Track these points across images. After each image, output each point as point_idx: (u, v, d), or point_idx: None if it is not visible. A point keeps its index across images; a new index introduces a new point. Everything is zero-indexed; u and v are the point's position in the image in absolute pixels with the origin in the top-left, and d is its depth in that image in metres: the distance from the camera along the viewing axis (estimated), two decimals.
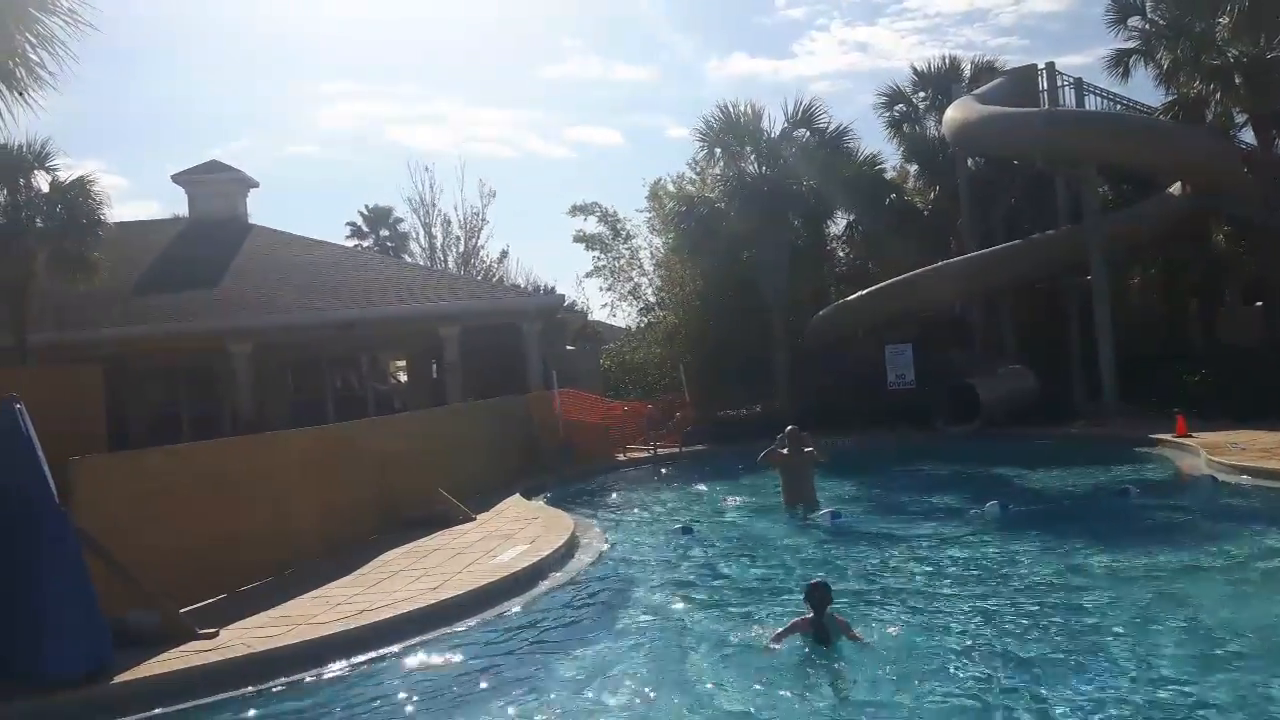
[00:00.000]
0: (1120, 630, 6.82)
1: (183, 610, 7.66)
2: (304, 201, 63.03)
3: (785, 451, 12.18)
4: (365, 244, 43.63)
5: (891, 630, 7.12)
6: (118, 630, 6.95)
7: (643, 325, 27.37)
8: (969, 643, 6.77)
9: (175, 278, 22.46)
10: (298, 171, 62.78)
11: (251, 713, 6.24)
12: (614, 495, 15.94)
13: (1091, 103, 22.47)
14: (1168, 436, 15.48)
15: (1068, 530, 10.24)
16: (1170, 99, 20.87)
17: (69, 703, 6.23)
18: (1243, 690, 5.58)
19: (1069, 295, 21.54)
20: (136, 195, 66.84)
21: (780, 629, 6.85)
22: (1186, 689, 5.65)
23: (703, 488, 15.49)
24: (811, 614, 6.69)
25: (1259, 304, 21.18)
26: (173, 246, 24.58)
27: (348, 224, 45.83)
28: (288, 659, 6.93)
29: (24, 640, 6.41)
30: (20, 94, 11.28)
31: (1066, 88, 22.83)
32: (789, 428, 12.45)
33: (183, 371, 22.50)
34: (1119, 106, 22.26)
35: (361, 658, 7.05)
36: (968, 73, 25.24)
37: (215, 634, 7.36)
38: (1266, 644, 6.34)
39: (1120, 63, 21.74)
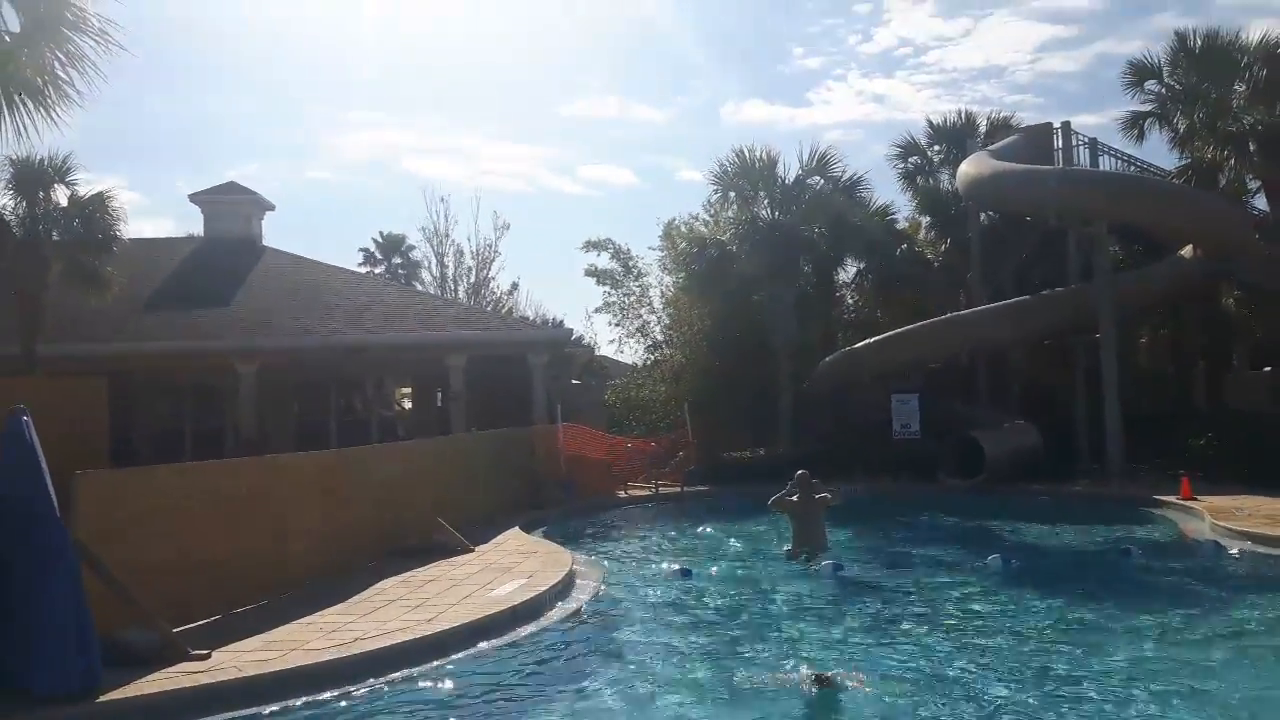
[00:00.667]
0: (1116, 691, 6.74)
1: (177, 630, 7.62)
2: (318, 226, 63.53)
3: (796, 498, 12.10)
4: (377, 271, 43.77)
5: (893, 685, 7.06)
6: (112, 648, 6.92)
7: (649, 363, 27.36)
8: (965, 695, 6.71)
9: (187, 295, 22.57)
10: (313, 196, 63.34)
11: None
12: (614, 533, 15.86)
13: (1106, 163, 22.55)
14: (1172, 498, 15.38)
15: (1068, 588, 10.17)
16: (1184, 163, 21.02)
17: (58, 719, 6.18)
18: None
19: (1076, 352, 21.52)
20: (152, 212, 67.38)
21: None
22: None
23: (704, 529, 15.39)
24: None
25: (1267, 369, 21.15)
26: (186, 264, 24.73)
27: (360, 250, 46.01)
28: (278, 684, 6.87)
29: (16, 653, 6.37)
30: (47, 111, 11.45)
31: (1081, 147, 22.93)
32: (799, 473, 12.35)
33: (188, 388, 22.54)
34: (1133, 168, 22.37)
35: (353, 687, 6.99)
36: (983, 128, 25.39)
37: (208, 655, 7.31)
38: (1255, 714, 6.25)
39: (1135, 125, 21.92)
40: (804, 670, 7.13)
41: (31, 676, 6.28)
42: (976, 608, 9.47)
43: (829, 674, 6.94)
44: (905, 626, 8.81)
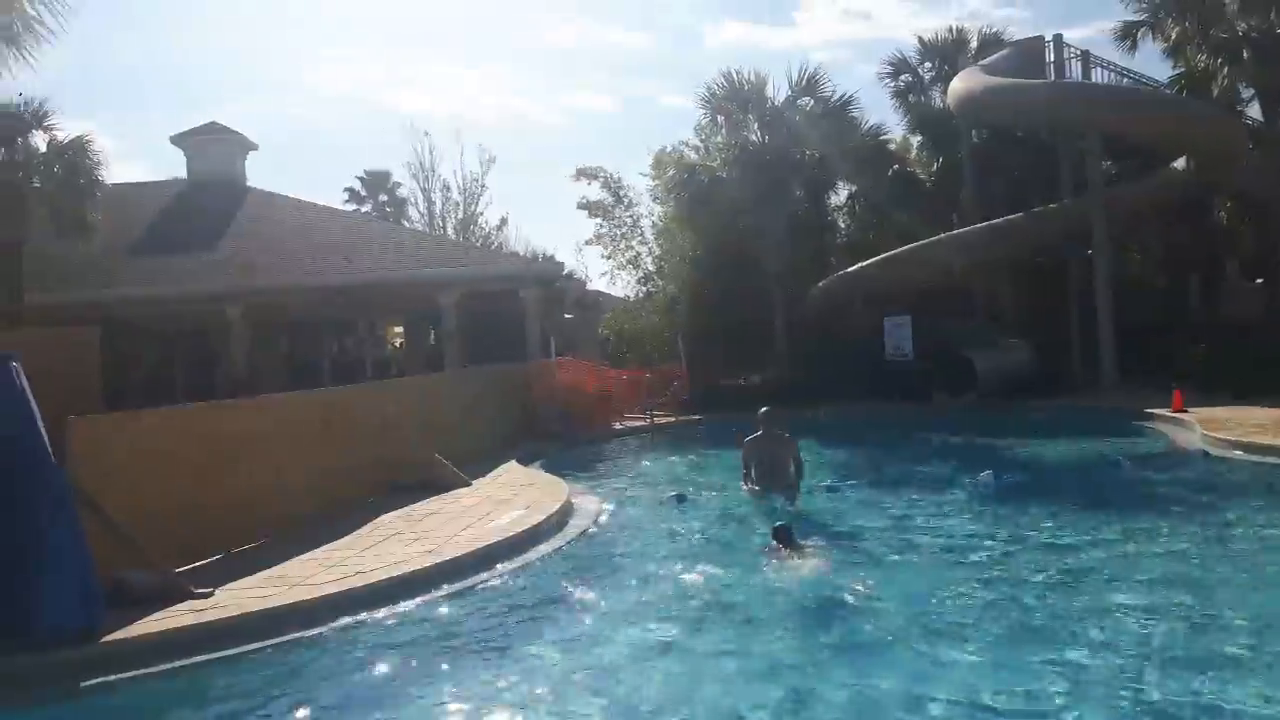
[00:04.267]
0: (1101, 599, 6.86)
1: (178, 571, 7.70)
2: (301, 166, 62.79)
3: (758, 435, 11.14)
4: (364, 209, 43.39)
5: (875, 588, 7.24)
6: (114, 589, 7.00)
7: (642, 294, 27.30)
8: (948, 609, 6.84)
9: (173, 239, 22.40)
10: (294, 136, 62.48)
11: (244, 671, 6.28)
12: (610, 463, 15.98)
13: (1098, 75, 22.32)
14: (1164, 411, 15.49)
15: (1058, 501, 10.28)
16: (1177, 73, 20.76)
17: (62, 662, 6.25)
18: (1209, 653, 5.68)
19: (1069, 268, 21.49)
20: (128, 156, 66.35)
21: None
22: (1157, 652, 5.72)
23: (698, 456, 15.52)
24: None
25: (1259, 280, 21.14)
26: (171, 208, 24.50)
27: (345, 189, 45.60)
28: (283, 619, 6.95)
29: (18, 597, 6.43)
30: (19, 50, 11.24)
31: (1073, 60, 22.67)
32: (762, 410, 11.32)
33: (179, 333, 22.49)
34: (1126, 80, 22.11)
35: (356, 618, 7.08)
36: (974, 44, 25.12)
37: (211, 593, 7.40)
38: (1240, 614, 6.39)
39: (1128, 35, 21.60)
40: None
41: (34, 620, 6.35)
42: (967, 524, 9.59)
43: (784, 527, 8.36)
44: (895, 543, 8.93)
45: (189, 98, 62.84)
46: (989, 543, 8.71)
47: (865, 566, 7.96)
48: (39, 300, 18.06)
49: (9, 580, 6.48)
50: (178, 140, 26.19)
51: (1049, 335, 20.90)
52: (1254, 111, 20.64)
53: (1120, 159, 23.16)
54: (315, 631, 6.84)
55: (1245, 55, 18.95)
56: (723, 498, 11.71)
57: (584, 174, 26.72)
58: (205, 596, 7.33)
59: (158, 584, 7.32)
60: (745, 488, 11.11)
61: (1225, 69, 19.48)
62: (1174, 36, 20.33)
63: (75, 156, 17.94)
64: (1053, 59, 22.72)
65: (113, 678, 6.10)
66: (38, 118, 17.62)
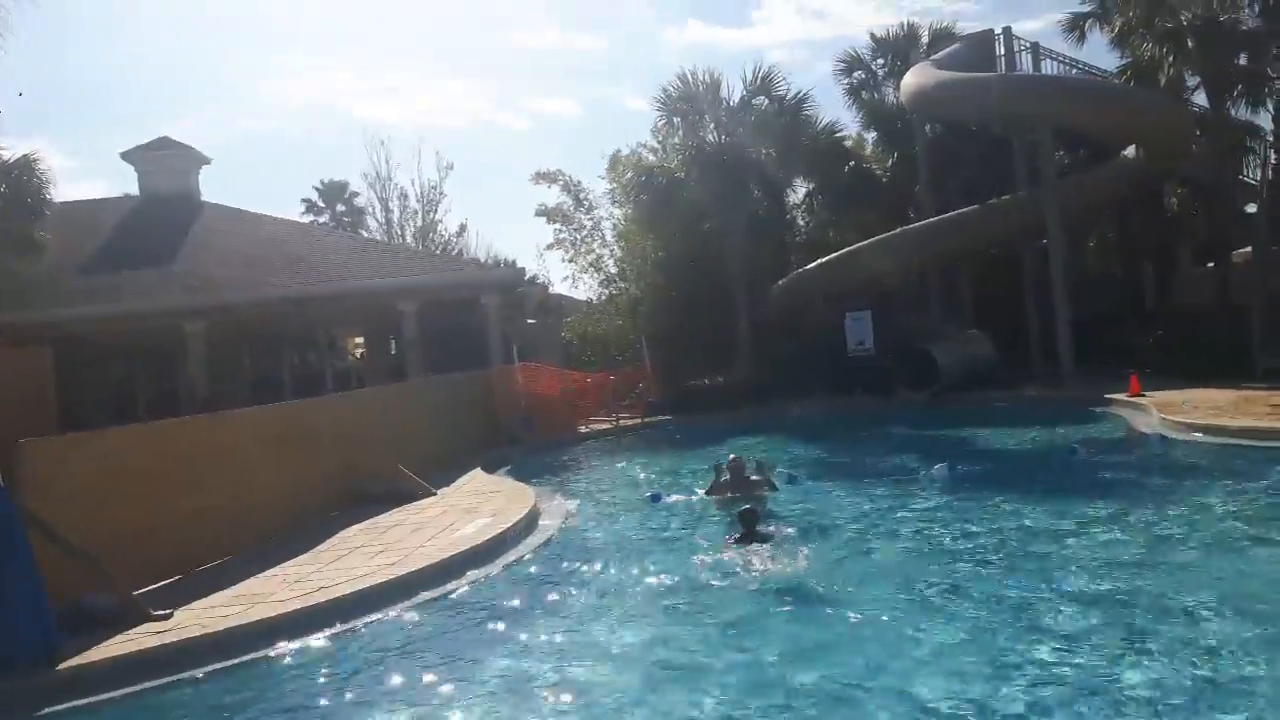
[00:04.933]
0: (1046, 584, 6.95)
1: (138, 592, 7.57)
2: (257, 178, 62.06)
3: (725, 480, 11.09)
4: (321, 220, 42.96)
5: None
6: (72, 613, 6.88)
7: (604, 297, 27.26)
8: (901, 596, 6.97)
9: (127, 256, 22.03)
10: (249, 147, 61.72)
11: (205, 693, 6.19)
12: (576, 467, 15.95)
13: (1048, 67, 22.62)
14: (1121, 396, 15.71)
15: (1010, 490, 10.38)
16: (1125, 62, 21.07)
17: (21, 690, 6.14)
18: (1168, 631, 5.78)
19: (1025, 260, 21.74)
20: (82, 175, 65.25)
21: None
22: (1114, 635, 5.81)
23: (665, 457, 15.53)
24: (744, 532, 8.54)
25: (1211, 265, 21.49)
26: (124, 225, 24.11)
27: (302, 200, 45.10)
28: (243, 638, 6.87)
29: None
30: None
31: (1024, 52, 22.97)
32: (730, 457, 11.31)
33: (138, 351, 22.15)
34: (1075, 71, 22.41)
35: (319, 635, 7.00)
36: (925, 39, 25.35)
37: (170, 615, 7.29)
38: (1195, 593, 6.49)
39: (1076, 26, 21.95)
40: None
41: None
42: (919, 515, 9.70)
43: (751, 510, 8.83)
44: (850, 535, 9.10)
45: (143, 113, 61.99)
46: (939, 532, 8.85)
47: (822, 557, 8.08)
48: None
49: None
50: (128, 156, 25.76)
51: (1006, 327, 21.11)
52: (1200, 99, 21.00)
53: (1074, 149, 23.47)
54: (278, 649, 6.75)
55: (1189, 43, 19.26)
56: (691, 498, 11.71)
57: (543, 178, 26.65)
58: (164, 618, 7.21)
59: (116, 608, 7.20)
60: (713, 497, 11.07)
61: (1171, 57, 19.76)
62: (1119, 27, 20.62)
63: (22, 175, 17.63)
64: (1003, 52, 22.99)
65: (73, 704, 6.00)
66: None
